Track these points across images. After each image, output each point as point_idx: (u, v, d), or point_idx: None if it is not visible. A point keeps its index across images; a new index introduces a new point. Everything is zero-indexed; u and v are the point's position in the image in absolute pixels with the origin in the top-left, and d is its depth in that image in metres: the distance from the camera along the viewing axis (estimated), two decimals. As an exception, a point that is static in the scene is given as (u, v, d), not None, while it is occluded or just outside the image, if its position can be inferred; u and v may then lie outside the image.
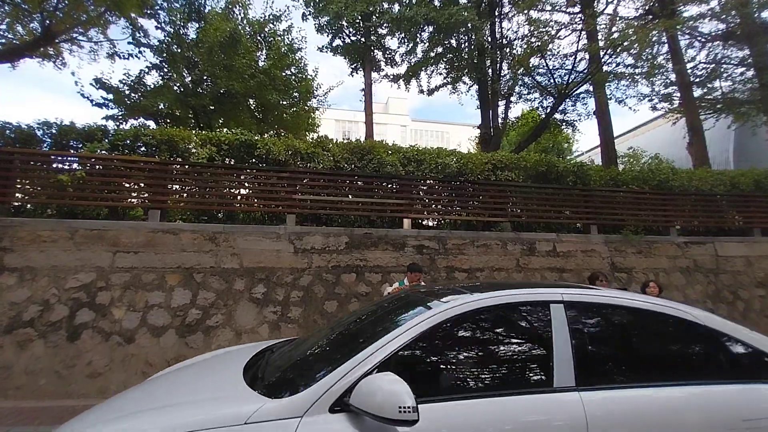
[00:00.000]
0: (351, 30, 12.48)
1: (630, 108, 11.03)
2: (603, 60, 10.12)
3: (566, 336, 1.79)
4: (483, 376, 1.81)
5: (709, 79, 10.88)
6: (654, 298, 2.21)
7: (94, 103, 10.59)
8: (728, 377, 1.85)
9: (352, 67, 13.20)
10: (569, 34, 10.85)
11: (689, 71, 10.82)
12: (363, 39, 12.41)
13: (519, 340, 1.99)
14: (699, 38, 10.87)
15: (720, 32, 10.55)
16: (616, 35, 9.66)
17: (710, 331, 1.91)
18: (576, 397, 1.65)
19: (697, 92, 11.02)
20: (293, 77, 12.08)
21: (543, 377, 1.74)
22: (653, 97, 11.36)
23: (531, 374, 1.82)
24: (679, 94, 11.06)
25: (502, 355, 1.92)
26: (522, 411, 1.63)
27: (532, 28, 10.42)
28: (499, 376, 1.82)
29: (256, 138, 6.52)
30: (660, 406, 1.71)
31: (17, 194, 5.64)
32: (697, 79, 10.94)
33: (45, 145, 5.86)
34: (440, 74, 12.46)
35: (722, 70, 10.79)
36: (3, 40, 8.43)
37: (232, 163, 6.40)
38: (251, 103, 11.81)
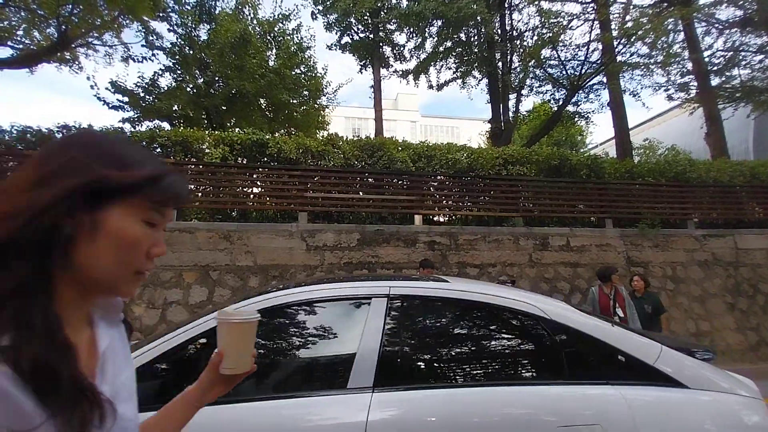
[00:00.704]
0: (359, 27, 12.49)
1: (643, 104, 10.84)
2: (617, 50, 9.94)
3: (379, 332, 1.65)
4: (264, 378, 1.69)
5: (727, 67, 10.60)
6: (503, 290, 1.98)
7: (110, 106, 10.82)
8: (564, 378, 1.64)
9: (361, 64, 13.22)
10: (581, 25, 10.70)
11: (706, 59, 10.55)
12: (371, 35, 12.41)
13: (322, 338, 1.81)
14: (716, 25, 10.59)
15: (737, 19, 10.26)
16: (629, 24, 9.47)
17: (557, 326, 1.71)
18: (365, 400, 1.50)
19: (714, 81, 10.74)
20: (303, 76, 12.15)
21: (339, 378, 1.60)
22: (669, 87, 11.12)
23: (324, 375, 1.70)
24: (696, 83, 10.79)
25: (296, 354, 1.79)
26: (290, 415, 1.49)
27: (543, 19, 10.27)
28: (285, 378, 1.71)
29: (268, 137, 6.60)
30: (465, 410, 1.54)
31: (39, 196, 5.81)
32: (715, 68, 10.66)
33: (64, 148, 6.02)
34: (449, 69, 12.38)
35: (740, 57, 10.49)
36: (21, 46, 8.66)
37: (244, 162, 6.50)
38: (262, 102, 11.92)
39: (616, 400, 1.54)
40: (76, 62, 9.55)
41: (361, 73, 13.42)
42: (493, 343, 1.87)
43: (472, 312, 1.87)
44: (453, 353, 1.82)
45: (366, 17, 11.84)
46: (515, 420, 1.54)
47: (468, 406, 1.55)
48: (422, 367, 1.75)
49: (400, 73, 12.92)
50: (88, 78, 14.40)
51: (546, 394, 1.60)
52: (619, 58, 10.09)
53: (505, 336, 1.88)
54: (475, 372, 1.75)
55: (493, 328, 1.89)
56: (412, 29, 11.33)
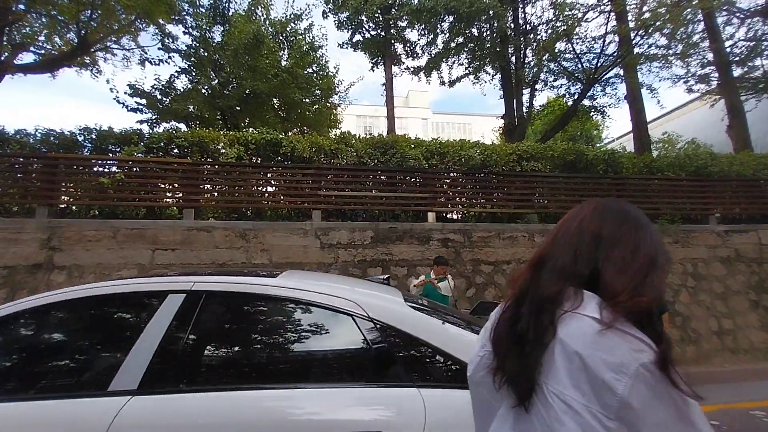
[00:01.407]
0: (371, 24, 12.48)
1: (658, 102, 10.62)
2: (634, 42, 9.71)
3: (162, 331, 1.53)
4: (15, 380, 1.59)
5: (750, 57, 10.27)
6: (331, 285, 1.82)
7: (129, 108, 11.07)
8: (366, 380, 1.53)
9: (373, 61, 13.21)
10: (597, 16, 10.47)
11: (727, 50, 10.23)
12: (383, 33, 12.38)
13: (97, 338, 1.72)
14: (737, 14, 10.25)
15: (760, 7, 9.92)
16: (647, 15, 9.24)
17: (376, 325, 1.59)
18: (118, 403, 1.39)
19: (736, 71, 10.43)
20: (315, 75, 12.22)
21: (101, 380, 1.48)
22: (689, 79, 10.83)
23: (86, 377, 1.59)
24: (716, 75, 10.48)
25: (61, 355, 1.68)
26: (33, 417, 1.41)
27: (558, 12, 10.10)
28: (37, 381, 1.58)
29: (281, 136, 6.67)
30: (229, 413, 1.42)
31: (63, 197, 6.00)
32: (737, 58, 10.34)
33: (86, 149, 6.21)
34: (462, 65, 12.27)
35: (763, 47, 10.15)
36: (42, 51, 8.92)
37: (258, 161, 6.58)
38: (275, 102, 12.03)
39: (412, 404, 1.41)
40: (96, 66, 9.78)
41: (373, 71, 13.45)
42: (293, 342, 1.72)
43: (282, 309, 1.74)
44: (247, 353, 1.68)
45: (377, 15, 11.82)
46: (277, 424, 1.40)
47: (234, 409, 1.43)
48: (206, 367, 1.62)
49: (412, 70, 12.86)
50: (107, 81, 14.76)
51: (332, 396, 1.46)
52: (636, 50, 9.86)
53: (310, 334, 1.72)
54: (264, 373, 1.61)
55: (300, 326, 1.74)
56: (423, 25, 11.26)
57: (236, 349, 1.71)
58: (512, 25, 11.12)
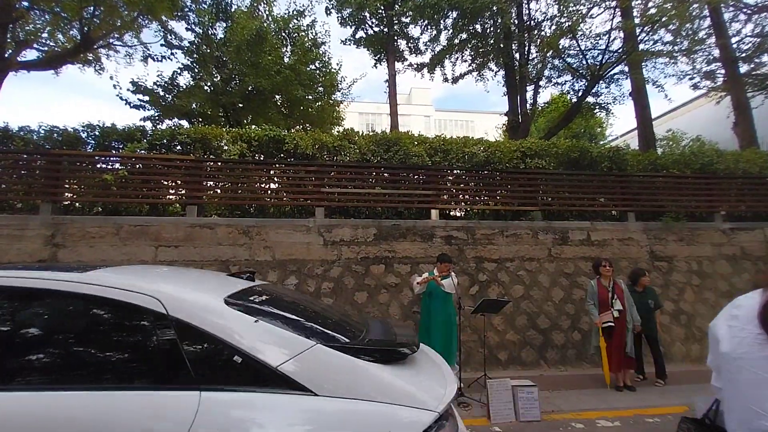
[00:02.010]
0: (373, 21, 12.42)
1: (666, 96, 10.53)
2: (639, 38, 9.64)
3: None
4: None
5: (757, 53, 10.16)
6: (132, 280, 1.70)
7: (132, 105, 11.07)
8: (139, 383, 1.46)
9: (376, 58, 13.14)
10: (602, 12, 10.39)
11: (734, 46, 10.13)
12: (386, 29, 12.32)
13: None
14: (744, 10, 10.15)
15: (767, 3, 9.81)
16: (653, 11, 9.15)
17: (171, 322, 1.51)
18: None
19: (743, 68, 10.32)
20: (318, 71, 12.17)
21: None
22: (694, 75, 10.73)
23: None
24: (723, 71, 10.39)
25: None
26: None
27: (562, 8, 10.02)
28: None
29: (284, 133, 6.65)
30: None
31: (66, 193, 6.01)
32: (743, 54, 10.23)
33: (89, 146, 6.21)
34: (465, 61, 12.22)
35: (771, 42, 10.04)
36: (45, 48, 8.92)
37: (261, 158, 6.57)
38: (278, 98, 12.00)
39: (181, 409, 1.35)
40: (98, 63, 9.77)
41: (376, 67, 13.36)
42: (79, 341, 1.62)
43: (75, 306, 1.64)
44: (21, 353, 1.59)
45: (380, 11, 11.76)
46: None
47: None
48: None
49: (415, 66, 12.81)
50: (111, 78, 14.77)
51: (98, 401, 1.40)
52: (641, 46, 9.78)
53: (99, 333, 1.63)
54: (37, 375, 1.52)
55: (91, 323, 1.65)
56: (427, 21, 11.21)
57: (9, 348, 1.61)
58: (516, 22, 11.05)
